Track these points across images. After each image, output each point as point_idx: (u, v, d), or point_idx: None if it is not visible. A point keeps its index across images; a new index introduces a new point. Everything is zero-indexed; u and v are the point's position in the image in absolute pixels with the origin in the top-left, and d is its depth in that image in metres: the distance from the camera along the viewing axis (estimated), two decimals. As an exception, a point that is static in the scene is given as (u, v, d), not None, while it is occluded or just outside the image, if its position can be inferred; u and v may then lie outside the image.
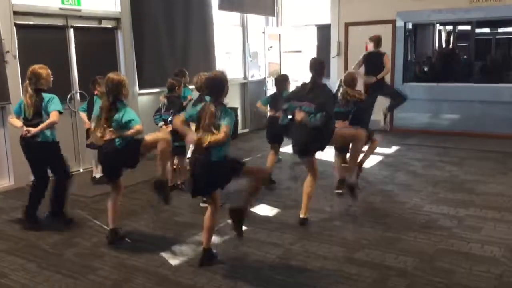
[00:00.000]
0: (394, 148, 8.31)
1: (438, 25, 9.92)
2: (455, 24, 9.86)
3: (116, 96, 4.24)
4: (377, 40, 7.55)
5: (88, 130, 6.36)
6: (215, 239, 4.50)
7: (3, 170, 6.41)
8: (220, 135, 3.67)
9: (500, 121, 8.86)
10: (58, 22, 7.00)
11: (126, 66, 7.83)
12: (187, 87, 7.06)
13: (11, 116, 5.02)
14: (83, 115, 6.51)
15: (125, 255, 4.17)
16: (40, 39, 6.77)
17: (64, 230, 4.79)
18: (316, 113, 4.56)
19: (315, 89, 4.71)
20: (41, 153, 4.76)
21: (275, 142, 6.21)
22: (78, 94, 7.23)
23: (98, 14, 7.48)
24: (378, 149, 8.04)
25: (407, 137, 9.19)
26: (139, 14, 7.87)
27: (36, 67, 4.75)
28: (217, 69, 3.95)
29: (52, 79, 4.87)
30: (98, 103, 6.04)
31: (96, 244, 4.45)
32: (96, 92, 6.21)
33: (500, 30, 9.80)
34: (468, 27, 9.51)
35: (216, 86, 3.86)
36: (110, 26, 7.72)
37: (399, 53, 9.73)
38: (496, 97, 8.94)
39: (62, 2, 6.94)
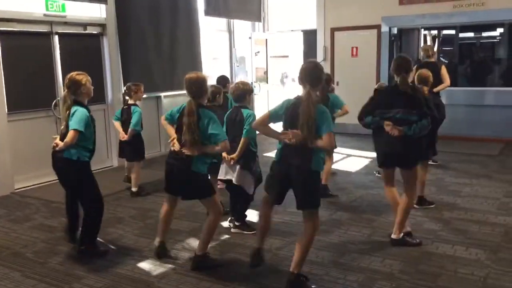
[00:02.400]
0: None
1: (423, 30, 10.03)
2: (439, 28, 9.97)
3: (198, 100, 3.83)
4: (432, 49, 7.28)
5: (122, 142, 6.15)
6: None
7: (-14, 178, 6.33)
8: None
9: (484, 124, 8.98)
10: (43, 29, 6.95)
11: (111, 72, 7.80)
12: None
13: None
14: (118, 125, 6.17)
15: (111, 263, 4.14)
16: (24, 46, 6.71)
17: (48, 239, 4.74)
18: (419, 119, 4.04)
19: (408, 92, 4.11)
20: (62, 170, 4.18)
21: None
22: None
23: (83, 20, 7.45)
24: (364, 153, 8.12)
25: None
26: (124, 20, 7.84)
27: (74, 74, 4.16)
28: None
29: (92, 88, 4.29)
30: (137, 114, 5.99)
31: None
32: (133, 100, 6.11)
33: (484, 34, 9.94)
34: (453, 32, 9.63)
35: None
36: (95, 32, 7.69)
37: (384, 58, 9.81)
38: (479, 101, 9.06)
39: (47, 9, 6.90)
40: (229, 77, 10.69)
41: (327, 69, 10.40)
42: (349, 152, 8.46)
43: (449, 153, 8.12)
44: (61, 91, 7.16)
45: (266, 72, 11.49)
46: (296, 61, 11.60)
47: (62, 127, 4.20)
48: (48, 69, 7.03)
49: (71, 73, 4.17)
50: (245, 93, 4.70)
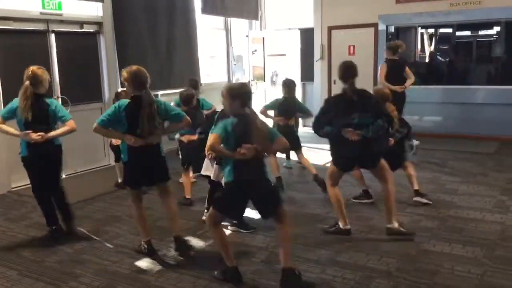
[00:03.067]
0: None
1: (419, 28, 10.04)
2: (436, 27, 9.99)
3: None
4: (399, 47, 7.51)
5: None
6: (198, 243, 4.50)
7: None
8: None
9: (481, 123, 8.99)
10: (39, 27, 6.93)
11: (108, 71, 7.78)
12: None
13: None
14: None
15: (108, 261, 4.13)
16: (20, 44, 6.68)
17: (45, 238, 4.73)
18: (374, 121, 4.21)
19: (359, 96, 4.25)
20: (54, 157, 4.60)
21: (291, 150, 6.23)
22: (60, 99, 7.14)
23: (80, 18, 7.43)
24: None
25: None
26: (121, 18, 7.82)
27: (34, 68, 4.46)
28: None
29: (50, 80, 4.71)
30: None
31: (78, 250, 4.39)
32: None
33: (480, 32, 9.95)
34: (450, 30, 9.65)
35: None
36: (92, 30, 7.66)
37: (381, 57, 9.77)
38: (475, 99, 9.08)
39: (43, 7, 6.87)
40: (226, 75, 10.75)
41: (324, 67, 10.42)
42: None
43: (445, 151, 8.14)
44: (58, 89, 7.15)
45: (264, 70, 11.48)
46: (293, 60, 11.58)
47: (28, 117, 4.32)
48: (45, 67, 6.91)
49: (32, 67, 4.46)
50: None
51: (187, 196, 5.68)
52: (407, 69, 7.60)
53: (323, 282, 3.65)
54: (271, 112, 6.51)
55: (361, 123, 4.25)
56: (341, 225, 4.59)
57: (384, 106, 4.97)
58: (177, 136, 5.77)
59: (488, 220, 4.88)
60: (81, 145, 7.23)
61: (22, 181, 6.59)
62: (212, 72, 10.71)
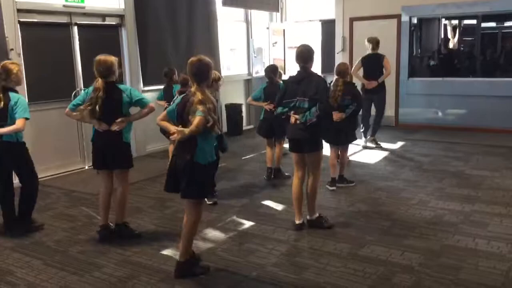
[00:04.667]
0: (399, 144, 8.28)
1: (443, 19, 9.85)
2: (460, 18, 9.78)
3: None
4: (375, 42, 7.61)
5: None
6: (219, 235, 4.51)
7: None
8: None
9: (506, 116, 8.79)
10: (62, 20, 7.00)
11: (130, 63, 7.83)
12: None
13: None
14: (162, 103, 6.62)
15: (130, 252, 4.18)
16: (44, 37, 6.77)
17: (69, 228, 4.80)
18: (310, 108, 4.28)
19: (305, 80, 4.36)
20: (4, 152, 4.52)
21: (270, 137, 6.26)
22: (82, 91, 7.21)
23: (102, 11, 7.48)
24: (384, 145, 8.04)
25: (412, 132, 9.14)
26: (142, 10, 7.85)
27: (7, 62, 4.55)
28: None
29: (23, 77, 4.80)
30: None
31: (100, 241, 4.44)
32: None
33: (506, 24, 9.72)
34: (474, 21, 9.43)
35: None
36: (114, 23, 7.71)
37: (404, 48, 9.67)
38: (502, 92, 8.86)
39: (66, 0, 6.94)
40: (246, 68, 10.72)
41: (345, 60, 10.30)
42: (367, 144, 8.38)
43: (471, 145, 8.00)
44: (81, 81, 7.22)
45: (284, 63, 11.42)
46: (314, 52, 11.49)
47: None
48: (68, 60, 7.08)
49: (4, 62, 4.54)
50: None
51: None
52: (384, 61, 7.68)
53: (344, 276, 3.62)
54: (258, 101, 6.48)
55: (300, 106, 4.34)
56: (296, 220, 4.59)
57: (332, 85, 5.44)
58: None
59: (514, 216, 4.78)
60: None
61: (46, 172, 6.72)
62: (232, 64, 10.69)
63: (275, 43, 11.35)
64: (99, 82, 4.18)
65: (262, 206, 5.30)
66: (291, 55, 11.78)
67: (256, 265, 3.87)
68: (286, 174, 6.26)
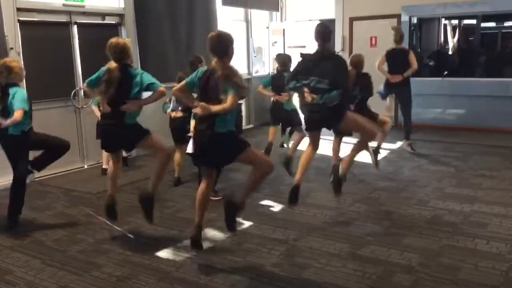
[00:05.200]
0: (399, 143, 8.26)
1: (443, 19, 9.84)
2: (460, 18, 9.78)
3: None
4: (399, 35, 7.43)
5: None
6: (218, 235, 4.51)
7: (7, 167, 6.36)
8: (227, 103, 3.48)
9: (506, 116, 8.79)
10: (62, 19, 6.99)
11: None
12: None
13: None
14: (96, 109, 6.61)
15: (129, 251, 4.17)
16: (43, 36, 6.76)
17: (68, 227, 4.80)
18: (330, 90, 4.12)
19: (325, 60, 4.20)
20: (10, 146, 4.70)
21: (278, 125, 6.28)
22: (82, 90, 7.22)
23: (102, 10, 7.48)
24: (384, 145, 8.01)
25: (412, 132, 9.11)
26: (142, 10, 7.85)
27: (7, 60, 4.71)
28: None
29: (24, 73, 4.85)
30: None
31: (100, 240, 4.45)
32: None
33: (506, 24, 9.72)
34: (474, 21, 9.43)
35: (221, 45, 3.61)
36: (113, 22, 7.71)
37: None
38: (502, 92, 8.86)
39: (66, -1, 6.93)
40: (246, 67, 10.71)
41: (345, 59, 10.28)
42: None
43: (469, 145, 7.99)
44: (80, 81, 7.21)
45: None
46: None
47: None
48: (67, 59, 7.08)
49: (4, 59, 4.70)
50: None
51: (175, 175, 5.97)
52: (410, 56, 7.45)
53: (344, 276, 3.62)
54: (267, 90, 6.53)
55: (316, 87, 4.23)
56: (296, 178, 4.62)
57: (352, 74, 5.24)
58: (169, 110, 5.87)
59: (513, 216, 4.79)
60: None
61: (45, 171, 6.66)
62: (232, 63, 10.66)
63: (275, 42, 11.35)
64: (112, 64, 4.19)
65: (261, 206, 5.29)
66: (291, 55, 11.81)
67: (255, 265, 3.87)
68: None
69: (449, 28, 10.15)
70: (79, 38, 7.15)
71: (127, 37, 7.73)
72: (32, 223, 4.94)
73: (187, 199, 5.43)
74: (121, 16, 7.71)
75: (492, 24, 9.76)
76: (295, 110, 6.28)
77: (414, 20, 9.75)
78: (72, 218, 5.08)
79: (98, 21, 7.50)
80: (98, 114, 6.33)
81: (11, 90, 4.55)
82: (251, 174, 3.80)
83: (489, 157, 7.21)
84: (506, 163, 6.86)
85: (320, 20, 11.04)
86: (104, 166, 6.49)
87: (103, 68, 4.27)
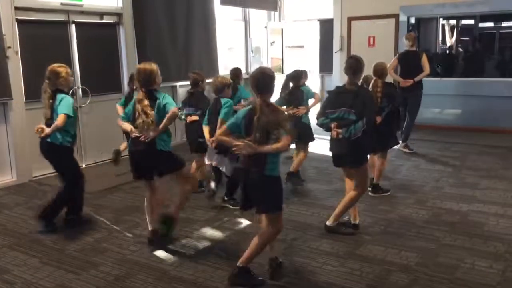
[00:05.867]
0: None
1: (441, 19, 9.86)
2: (458, 18, 9.80)
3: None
4: (413, 38, 7.39)
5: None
6: (217, 234, 4.52)
7: (5, 166, 6.41)
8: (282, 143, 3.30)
9: (503, 115, 8.82)
10: (60, 18, 6.98)
11: (128, 62, 7.81)
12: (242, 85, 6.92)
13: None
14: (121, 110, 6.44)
15: (127, 250, 4.17)
16: (41, 35, 6.75)
17: (66, 226, 4.79)
18: (356, 121, 4.14)
19: (352, 92, 4.22)
20: (48, 154, 4.60)
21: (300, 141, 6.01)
22: (80, 89, 7.22)
23: (100, 9, 7.47)
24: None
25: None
26: (140, 9, 7.84)
27: (55, 65, 4.57)
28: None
29: (72, 79, 4.73)
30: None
31: (98, 239, 4.45)
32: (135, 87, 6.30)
33: (504, 24, 9.74)
34: (472, 21, 9.45)
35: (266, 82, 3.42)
36: (111, 21, 7.70)
37: (402, 48, 9.63)
38: (499, 92, 8.89)
39: (64, -2, 6.92)
40: (244, 67, 10.71)
41: (343, 59, 10.28)
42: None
43: (467, 145, 8.01)
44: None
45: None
46: (312, 51, 11.51)
47: (47, 116, 4.51)
48: (65, 58, 7.03)
49: (52, 65, 4.56)
50: (223, 86, 5.13)
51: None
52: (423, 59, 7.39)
53: (341, 276, 3.63)
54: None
55: (345, 117, 4.19)
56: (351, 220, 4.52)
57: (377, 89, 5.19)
58: (183, 116, 5.80)
59: (511, 215, 4.79)
60: (100, 136, 7.32)
61: (43, 170, 6.69)
62: (230, 63, 10.68)
63: (273, 42, 11.36)
64: (140, 94, 4.07)
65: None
66: (289, 55, 11.83)
67: (253, 264, 3.86)
68: (303, 180, 6.06)
69: (447, 28, 10.16)
70: (77, 37, 7.14)
71: (125, 36, 7.74)
72: (30, 222, 4.93)
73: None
74: (119, 15, 7.70)
75: (490, 24, 9.78)
76: (309, 125, 6.19)
77: (412, 20, 9.76)
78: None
79: (96, 20, 7.49)
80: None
81: (58, 97, 4.47)
82: (262, 233, 3.56)
83: (487, 157, 7.22)
84: (504, 163, 6.88)
85: (318, 20, 11.09)
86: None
87: (133, 100, 4.16)
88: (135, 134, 4.07)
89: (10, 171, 6.43)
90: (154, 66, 4.11)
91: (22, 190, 6.10)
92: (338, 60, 10.38)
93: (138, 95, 4.10)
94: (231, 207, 5.13)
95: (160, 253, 4.11)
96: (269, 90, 3.44)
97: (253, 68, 10.79)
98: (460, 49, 10.10)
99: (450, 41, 10.19)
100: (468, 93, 9.13)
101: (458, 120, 9.40)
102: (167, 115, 4.02)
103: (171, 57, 8.36)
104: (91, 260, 4.00)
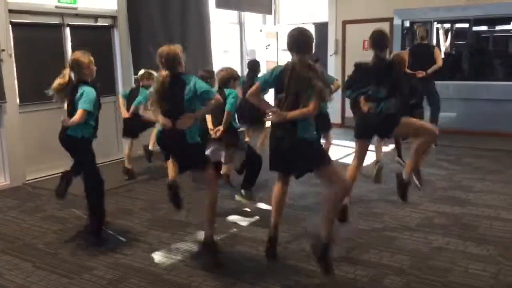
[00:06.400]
0: (391, 146, 8.27)
1: (435, 23, 9.91)
2: (452, 22, 9.85)
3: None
4: (425, 30, 7.36)
5: (126, 120, 6.48)
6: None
7: (-2, 169, 6.39)
8: (309, 107, 3.21)
9: (497, 119, 8.86)
10: (54, 20, 6.97)
11: (122, 65, 7.81)
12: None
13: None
14: (122, 102, 6.60)
15: (120, 254, 4.16)
16: (36, 38, 6.74)
17: (59, 230, 4.77)
18: (387, 98, 4.04)
19: (381, 68, 4.09)
20: (67, 147, 4.43)
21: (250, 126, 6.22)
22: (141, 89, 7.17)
23: (94, 12, 7.46)
24: (372, 147, 8.01)
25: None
26: (135, 12, 7.84)
27: (78, 54, 4.31)
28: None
29: (95, 69, 4.41)
30: (144, 93, 5.98)
31: (91, 243, 4.42)
32: (142, 84, 6.39)
33: (498, 27, 9.79)
34: (466, 25, 9.50)
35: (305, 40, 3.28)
36: (106, 24, 7.69)
37: (396, 51, 9.70)
38: (492, 95, 8.94)
39: (58, 1, 6.90)
40: (240, 70, 10.71)
41: (338, 62, 10.34)
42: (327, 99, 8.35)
43: (461, 148, 8.04)
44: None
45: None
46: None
47: (66, 105, 4.37)
48: (60, 61, 7.02)
49: (76, 53, 4.34)
50: (230, 78, 4.95)
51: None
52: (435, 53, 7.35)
53: (335, 279, 3.62)
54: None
55: (374, 95, 4.13)
56: None
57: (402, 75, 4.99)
58: None
59: (504, 218, 4.81)
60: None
61: (37, 173, 6.69)
62: (225, 66, 10.68)
63: (268, 45, 11.37)
64: (163, 74, 3.77)
65: (254, 208, 5.29)
66: (284, 58, 11.84)
67: (247, 267, 3.87)
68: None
69: (441, 32, 10.21)
70: (71, 40, 7.13)
71: (120, 39, 7.73)
72: (23, 225, 4.91)
73: (179, 202, 5.41)
74: (114, 18, 7.70)
75: (484, 28, 9.83)
76: (327, 115, 6.17)
77: (407, 24, 9.81)
78: (63, 220, 5.06)
79: (91, 23, 7.49)
80: (123, 110, 6.47)
81: (80, 88, 4.23)
82: (327, 195, 3.47)
83: (481, 160, 7.25)
84: (498, 166, 6.90)
85: (313, 24, 11.11)
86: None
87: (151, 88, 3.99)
88: (165, 124, 3.76)
89: (3, 174, 6.40)
90: (178, 48, 3.87)
91: (15, 194, 6.07)
92: (333, 64, 10.42)
93: (160, 77, 3.79)
94: (244, 200, 5.05)
95: (154, 257, 4.10)
96: (309, 49, 3.29)
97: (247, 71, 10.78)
98: (454, 53, 10.14)
99: (444, 44, 10.23)
100: (462, 96, 9.17)
101: (452, 123, 9.42)
102: (209, 104, 3.80)
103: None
104: (84, 264, 3.98)
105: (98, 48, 7.54)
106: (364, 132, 4.45)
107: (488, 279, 3.58)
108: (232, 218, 4.98)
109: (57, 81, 4.30)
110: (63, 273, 3.83)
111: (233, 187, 5.59)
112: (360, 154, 4.53)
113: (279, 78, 3.33)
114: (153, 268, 3.88)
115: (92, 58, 4.35)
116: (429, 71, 7.22)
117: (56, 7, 6.89)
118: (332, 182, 3.39)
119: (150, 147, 6.72)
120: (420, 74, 7.22)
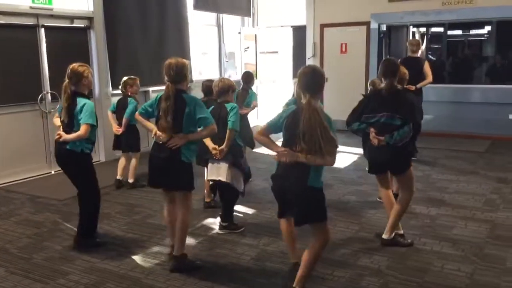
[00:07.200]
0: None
1: (411, 27, 10.06)
2: (428, 26, 10.02)
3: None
4: (417, 44, 7.30)
5: (117, 136, 6.15)
6: (189, 240, 4.47)
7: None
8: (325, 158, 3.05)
9: (471, 121, 9.04)
10: (29, 21, 6.84)
11: (99, 66, 7.71)
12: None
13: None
14: (111, 116, 6.24)
15: (97, 258, 4.09)
16: (10, 39, 6.61)
17: (33, 234, 4.68)
18: (401, 126, 3.94)
19: (394, 95, 4.01)
20: (66, 162, 4.28)
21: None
22: (49, 94, 7.08)
23: (70, 13, 7.35)
24: (353, 149, 8.10)
25: (381, 137, 9.27)
26: (112, 13, 7.76)
27: (76, 65, 4.18)
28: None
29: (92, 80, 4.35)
30: (132, 105, 5.98)
31: (66, 248, 4.34)
32: (129, 93, 6.15)
33: (472, 32, 10.00)
34: (441, 29, 9.68)
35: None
36: (82, 25, 7.59)
37: (373, 55, 9.82)
38: (466, 98, 9.13)
39: (33, 1, 6.79)
40: (218, 72, 10.69)
41: (316, 65, 10.38)
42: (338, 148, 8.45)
43: (436, 150, 8.17)
44: (47, 85, 7.07)
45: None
46: (286, 57, 11.58)
47: (63, 117, 4.18)
48: (34, 62, 6.92)
49: (73, 64, 4.20)
50: (228, 89, 4.64)
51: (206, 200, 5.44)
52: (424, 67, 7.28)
53: (313, 280, 3.63)
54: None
55: (388, 123, 4.01)
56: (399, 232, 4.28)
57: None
58: None
59: (478, 219, 4.90)
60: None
61: (10, 177, 6.55)
62: (204, 69, 10.67)
63: (247, 48, 11.38)
64: (170, 89, 3.69)
65: (231, 214, 5.26)
66: (263, 60, 11.86)
67: (226, 270, 3.85)
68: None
69: (417, 36, 10.37)
70: (46, 41, 7.01)
71: (96, 40, 7.64)
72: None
73: (156, 205, 5.37)
74: (90, 19, 7.60)
75: (458, 32, 10.02)
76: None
77: (383, 28, 9.94)
78: (38, 225, 4.96)
79: (67, 24, 7.37)
80: (114, 123, 6.15)
81: (79, 101, 4.09)
82: (310, 248, 3.32)
83: (455, 162, 7.38)
84: (472, 167, 7.04)
85: (291, 27, 11.17)
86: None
87: (158, 95, 3.82)
88: (161, 137, 3.71)
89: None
90: (186, 62, 3.83)
91: (-12, 198, 5.93)
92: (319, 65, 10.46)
93: (165, 91, 3.71)
94: (235, 231, 4.63)
95: (131, 261, 4.05)
96: (321, 90, 3.22)
97: (226, 74, 10.79)
98: (430, 56, 10.31)
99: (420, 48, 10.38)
100: (438, 99, 9.31)
101: (428, 126, 9.53)
102: (204, 131, 3.78)
103: (143, 62, 8.28)
104: (59, 269, 3.91)
105: (74, 49, 7.46)
106: (378, 170, 4.31)
107: (464, 279, 3.64)
108: (210, 221, 4.96)
109: (64, 99, 4.16)
110: (37, 278, 3.75)
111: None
112: (382, 184, 4.39)
113: (289, 120, 3.22)
114: (130, 272, 3.84)
115: (90, 70, 4.29)
116: (419, 85, 7.15)
117: (31, 7, 6.77)
118: (316, 236, 3.31)
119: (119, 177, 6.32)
120: (411, 88, 7.24)
